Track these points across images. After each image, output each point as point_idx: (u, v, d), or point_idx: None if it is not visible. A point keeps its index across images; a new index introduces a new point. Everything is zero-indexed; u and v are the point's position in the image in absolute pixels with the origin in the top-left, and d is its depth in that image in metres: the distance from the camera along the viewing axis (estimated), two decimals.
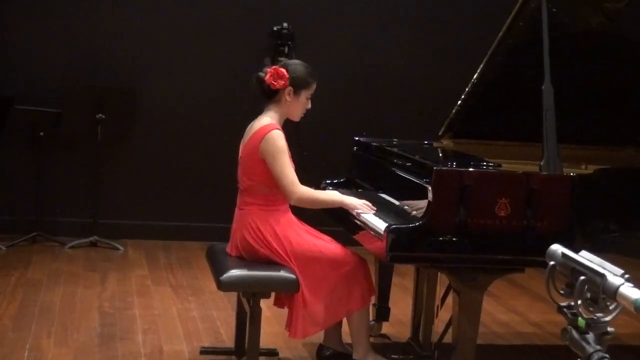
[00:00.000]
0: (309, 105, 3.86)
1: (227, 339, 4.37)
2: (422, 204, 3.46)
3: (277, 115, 3.80)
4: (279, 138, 3.70)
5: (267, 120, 3.77)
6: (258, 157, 3.72)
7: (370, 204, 3.78)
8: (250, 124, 3.84)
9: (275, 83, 3.74)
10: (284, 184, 3.69)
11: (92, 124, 6.15)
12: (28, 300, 4.89)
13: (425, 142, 4.52)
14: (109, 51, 6.45)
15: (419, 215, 3.48)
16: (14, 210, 6.42)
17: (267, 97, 3.81)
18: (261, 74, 3.78)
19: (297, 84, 3.77)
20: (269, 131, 3.69)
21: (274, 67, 3.78)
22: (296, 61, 3.92)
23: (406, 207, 3.74)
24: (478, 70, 4.14)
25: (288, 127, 3.90)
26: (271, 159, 3.68)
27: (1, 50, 6.35)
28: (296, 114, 3.86)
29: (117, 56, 6.47)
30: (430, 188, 3.35)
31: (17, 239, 6.15)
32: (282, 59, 5.92)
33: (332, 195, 3.90)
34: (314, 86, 3.84)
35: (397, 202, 3.86)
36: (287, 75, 3.74)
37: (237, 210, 3.88)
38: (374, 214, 3.69)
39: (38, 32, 6.38)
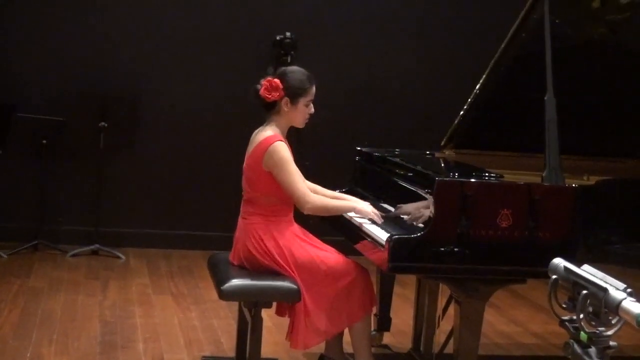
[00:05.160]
0: (312, 110, 3.79)
1: (228, 349, 4.37)
2: (417, 211, 3.46)
3: (280, 125, 3.77)
4: (282, 149, 3.66)
5: (270, 132, 3.73)
6: (262, 169, 3.69)
7: (379, 213, 3.74)
8: (254, 134, 3.81)
9: (270, 96, 3.69)
10: (296, 195, 3.66)
11: (94, 132, 6.16)
12: (29, 308, 4.89)
13: (428, 152, 4.52)
14: (111, 59, 6.46)
15: (416, 221, 3.49)
16: (16, 217, 6.42)
17: (266, 109, 3.78)
18: (258, 86, 3.74)
19: (293, 93, 3.72)
20: (271, 143, 3.66)
21: (267, 79, 3.72)
22: (293, 68, 3.84)
23: (404, 216, 3.73)
24: (481, 81, 4.14)
25: (289, 136, 3.87)
26: (278, 171, 3.66)
27: (4, 58, 6.36)
28: (298, 122, 3.81)
29: (120, 64, 6.48)
30: (432, 199, 3.35)
31: (19, 246, 6.15)
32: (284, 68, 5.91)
33: (344, 203, 3.86)
34: (313, 90, 3.76)
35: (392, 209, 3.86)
36: (281, 86, 3.69)
37: (240, 219, 3.86)
38: (375, 224, 3.69)
39: (41, 40, 6.39)
